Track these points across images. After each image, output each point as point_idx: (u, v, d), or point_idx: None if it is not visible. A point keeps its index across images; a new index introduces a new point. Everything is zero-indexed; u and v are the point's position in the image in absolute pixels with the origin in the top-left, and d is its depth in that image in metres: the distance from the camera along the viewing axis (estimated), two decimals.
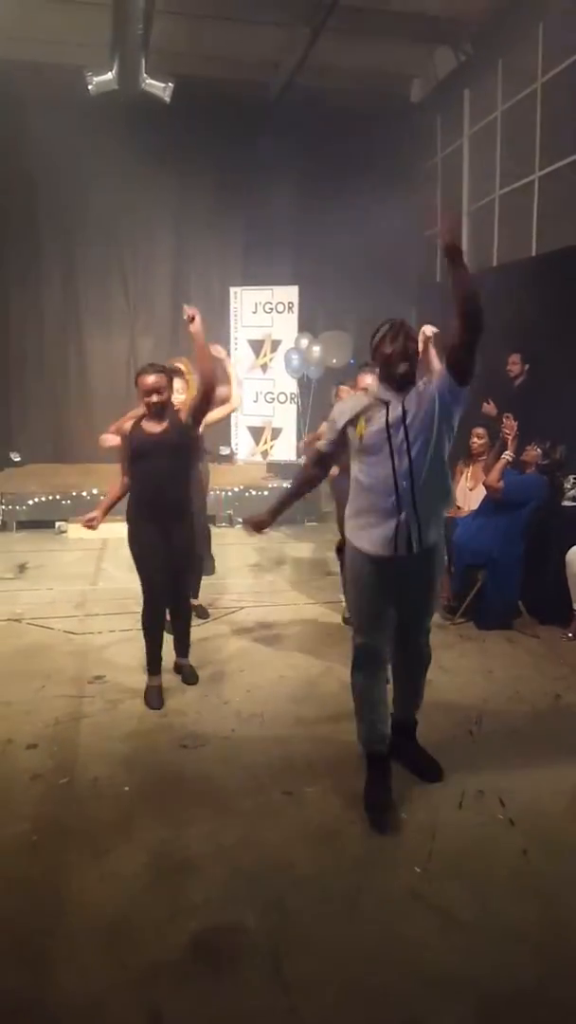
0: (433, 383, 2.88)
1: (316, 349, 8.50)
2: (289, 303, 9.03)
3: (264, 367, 9.19)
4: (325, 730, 3.57)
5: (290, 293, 9.04)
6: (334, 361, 8.51)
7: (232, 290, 9.21)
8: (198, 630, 4.46)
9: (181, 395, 4.32)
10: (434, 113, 9.16)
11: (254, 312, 9.12)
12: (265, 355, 9.13)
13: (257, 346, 9.20)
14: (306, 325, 8.97)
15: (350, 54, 8.15)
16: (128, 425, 3.81)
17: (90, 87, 7.57)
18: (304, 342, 8.67)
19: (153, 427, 3.71)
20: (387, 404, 2.86)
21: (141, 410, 3.77)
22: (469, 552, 4.93)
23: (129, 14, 6.37)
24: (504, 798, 2.99)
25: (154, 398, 3.64)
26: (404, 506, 2.84)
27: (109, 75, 7.50)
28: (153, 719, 3.65)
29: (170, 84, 7.70)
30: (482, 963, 2.23)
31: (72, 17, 7.35)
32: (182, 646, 4.07)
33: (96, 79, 7.55)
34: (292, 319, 9.02)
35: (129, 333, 9.39)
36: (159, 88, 7.70)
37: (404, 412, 2.83)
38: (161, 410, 3.69)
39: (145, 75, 7.55)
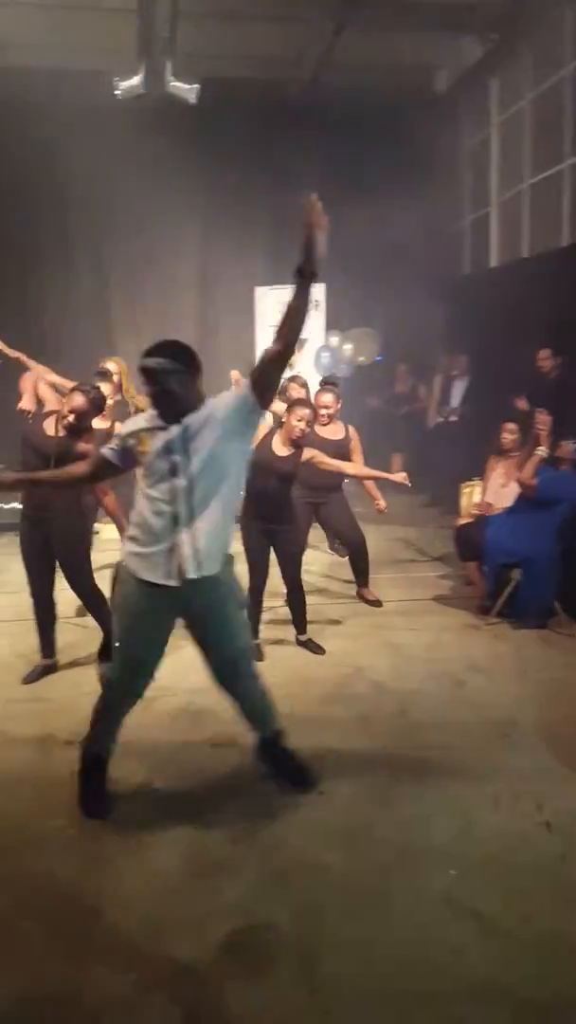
0: (226, 403, 2.79)
1: (348, 347, 8.46)
2: (315, 301, 8.98)
3: (290, 366, 9.16)
4: (355, 730, 3.57)
5: (316, 291, 9.00)
6: (362, 359, 8.47)
7: (257, 290, 9.20)
8: None
9: (110, 400, 4.84)
10: (461, 104, 9.08)
11: (279, 312, 9.08)
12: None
13: None
14: (332, 323, 8.93)
15: (374, 47, 8.09)
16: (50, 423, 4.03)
17: (117, 92, 7.63)
18: (334, 340, 8.64)
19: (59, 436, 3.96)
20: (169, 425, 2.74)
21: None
22: (502, 551, 4.88)
23: (154, 19, 6.40)
24: (541, 801, 2.95)
25: (71, 419, 3.91)
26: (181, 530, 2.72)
27: (136, 79, 7.55)
28: (184, 717, 3.67)
29: (196, 85, 7.73)
30: (518, 969, 2.21)
31: (98, 24, 7.43)
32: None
33: (123, 84, 7.60)
34: (319, 317, 8.99)
35: (156, 336, 9.40)
36: (185, 90, 7.73)
37: (186, 430, 2.71)
38: (76, 430, 3.93)
39: (171, 77, 7.58)
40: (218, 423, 2.73)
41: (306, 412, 4.32)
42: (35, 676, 4.13)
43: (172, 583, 2.72)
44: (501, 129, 8.36)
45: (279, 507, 4.30)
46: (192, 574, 2.71)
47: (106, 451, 2.92)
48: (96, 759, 2.99)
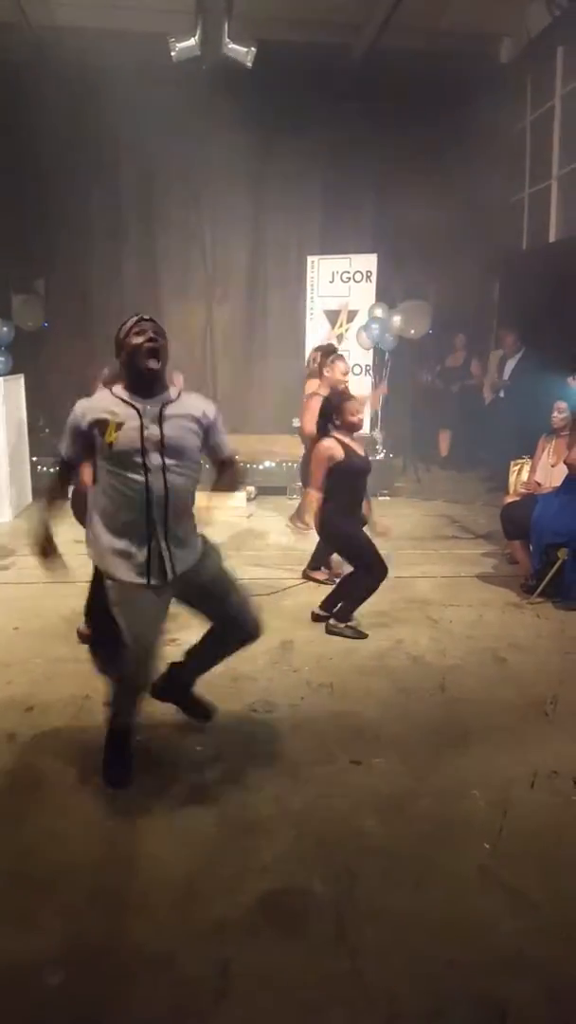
0: (207, 413, 2.78)
1: (396, 319, 8.34)
2: (367, 272, 8.87)
3: (340, 338, 9.08)
4: (394, 702, 3.56)
5: (368, 262, 8.87)
6: (412, 332, 8.34)
7: (309, 259, 9.10)
8: (267, 602, 4.49)
9: None
10: (524, 73, 8.79)
11: (331, 282, 8.99)
12: (341, 325, 9.02)
13: (333, 316, 9.09)
14: (383, 295, 8.81)
15: (437, 13, 7.87)
16: None
17: (173, 53, 7.55)
18: (379, 312, 8.52)
19: None
20: (138, 410, 2.65)
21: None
22: (549, 531, 4.79)
23: None
24: None
25: None
26: (157, 530, 2.67)
27: (192, 41, 7.46)
28: (224, 685, 3.69)
29: (252, 49, 7.60)
30: (549, 944, 2.20)
31: None
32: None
33: (179, 45, 7.51)
34: (370, 288, 8.86)
35: (206, 302, 9.41)
36: (241, 53, 7.60)
37: (162, 420, 2.65)
38: None
39: (228, 40, 7.47)
40: (194, 421, 2.74)
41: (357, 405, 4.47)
42: None
43: (156, 582, 2.72)
44: (565, 100, 8.08)
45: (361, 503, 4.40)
46: (171, 575, 2.73)
47: (64, 452, 2.81)
48: (126, 731, 2.97)
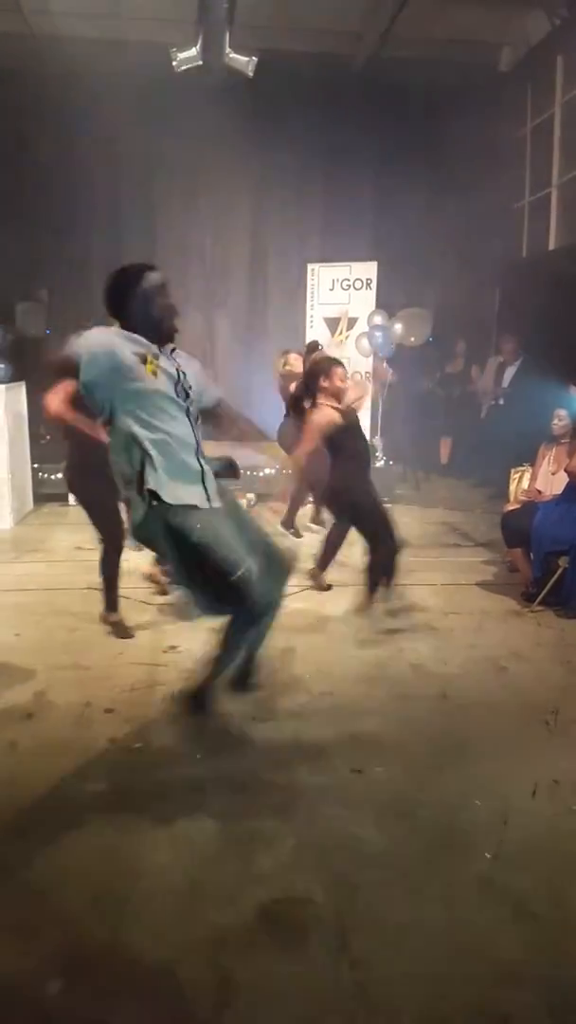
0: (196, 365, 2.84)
1: (398, 327, 8.36)
2: (367, 280, 8.90)
3: (340, 345, 9.10)
4: (394, 710, 3.55)
5: (368, 269, 8.90)
6: (412, 339, 8.36)
7: (310, 266, 9.13)
8: None
9: None
10: (524, 82, 8.84)
11: (331, 289, 9.02)
12: (341, 333, 9.04)
13: (333, 324, 9.12)
14: (383, 302, 8.84)
15: (437, 23, 7.91)
16: None
17: (174, 63, 7.59)
18: (379, 319, 8.54)
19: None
20: (160, 351, 2.67)
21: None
22: (550, 538, 4.79)
23: None
24: None
25: None
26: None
27: (194, 51, 7.51)
28: (224, 691, 3.69)
29: (253, 59, 7.65)
30: (551, 955, 2.18)
31: None
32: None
33: (181, 55, 7.57)
34: (370, 296, 8.89)
35: (207, 309, 9.44)
36: (242, 63, 7.67)
37: (179, 367, 2.71)
38: None
39: (229, 50, 7.52)
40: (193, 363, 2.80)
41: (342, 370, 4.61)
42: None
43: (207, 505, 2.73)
44: (565, 109, 8.12)
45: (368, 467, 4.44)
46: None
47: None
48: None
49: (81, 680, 3.80)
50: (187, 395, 2.71)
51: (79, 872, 2.48)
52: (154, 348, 2.64)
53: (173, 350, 2.77)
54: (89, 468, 3.82)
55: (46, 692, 3.67)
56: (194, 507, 2.68)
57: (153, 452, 2.61)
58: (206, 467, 2.76)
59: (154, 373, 2.59)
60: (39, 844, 2.61)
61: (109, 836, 2.65)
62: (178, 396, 2.67)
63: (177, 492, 2.64)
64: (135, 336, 2.62)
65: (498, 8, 8.06)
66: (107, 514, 4.07)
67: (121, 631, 4.29)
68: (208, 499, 2.72)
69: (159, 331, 2.65)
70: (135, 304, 2.60)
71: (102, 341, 2.57)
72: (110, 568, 4.25)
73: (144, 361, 2.55)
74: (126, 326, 2.64)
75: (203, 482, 2.73)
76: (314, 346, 5.80)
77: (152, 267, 2.68)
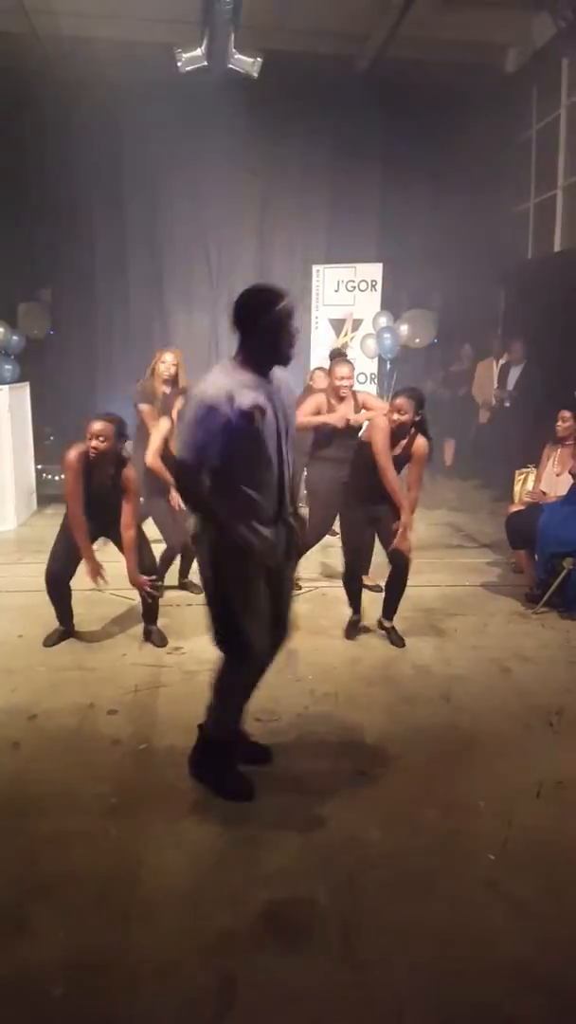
0: (289, 388, 2.67)
1: (404, 328, 8.36)
2: (372, 281, 8.89)
3: (344, 346, 9.10)
4: (398, 712, 3.55)
5: (374, 271, 8.89)
6: (417, 341, 8.35)
7: (315, 268, 9.13)
8: None
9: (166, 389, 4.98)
10: (530, 84, 8.82)
11: (336, 290, 9.02)
12: (346, 334, 9.04)
13: (338, 325, 9.11)
14: (389, 304, 8.83)
15: (443, 24, 7.89)
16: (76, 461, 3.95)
17: (179, 64, 7.59)
18: (383, 320, 8.54)
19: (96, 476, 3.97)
20: (268, 393, 2.54)
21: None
22: (554, 540, 4.78)
23: None
24: None
25: (94, 443, 3.85)
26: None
27: (198, 51, 7.50)
28: None
29: (258, 59, 7.64)
30: (555, 956, 2.18)
31: None
32: None
33: (185, 56, 7.56)
34: (375, 297, 8.88)
35: (211, 310, 9.44)
36: (247, 64, 7.66)
37: (274, 402, 2.56)
38: (101, 458, 3.89)
39: (234, 51, 7.52)
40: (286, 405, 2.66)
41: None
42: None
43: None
44: (570, 111, 8.11)
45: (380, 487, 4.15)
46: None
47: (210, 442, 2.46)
48: (234, 738, 2.92)
49: (85, 681, 3.80)
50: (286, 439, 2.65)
51: (83, 873, 2.48)
52: (262, 398, 2.53)
53: (277, 388, 2.63)
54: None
55: (49, 692, 3.67)
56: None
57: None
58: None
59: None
60: (43, 845, 2.61)
61: (113, 838, 2.65)
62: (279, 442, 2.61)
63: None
64: (239, 379, 2.53)
65: (504, 10, 8.04)
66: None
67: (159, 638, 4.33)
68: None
69: (274, 364, 2.58)
70: (265, 335, 2.51)
71: (205, 411, 2.52)
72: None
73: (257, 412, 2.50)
74: (248, 345, 2.56)
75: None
76: (334, 354, 5.84)
77: (286, 293, 2.57)
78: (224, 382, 2.48)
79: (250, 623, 2.69)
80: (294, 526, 2.75)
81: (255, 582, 2.66)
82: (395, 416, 4.03)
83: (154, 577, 4.19)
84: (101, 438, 3.85)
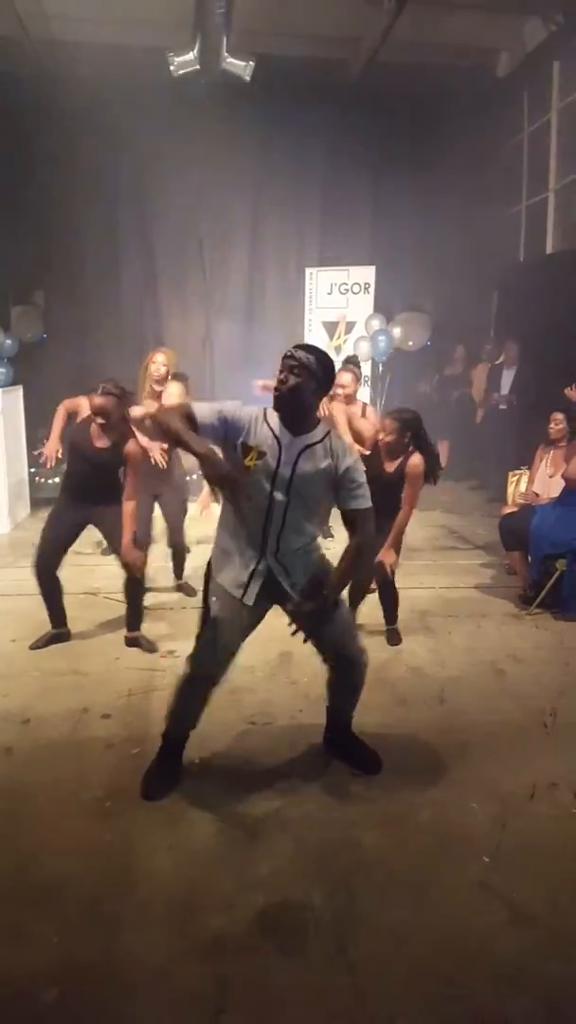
0: (344, 459, 2.67)
1: (397, 331, 8.37)
2: (365, 284, 8.91)
3: (338, 349, 9.11)
4: (393, 714, 3.55)
5: (367, 273, 8.91)
6: (410, 343, 8.36)
7: (308, 271, 9.14)
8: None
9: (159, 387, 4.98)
10: (521, 88, 8.85)
11: (329, 293, 9.03)
12: (339, 336, 9.05)
13: (331, 328, 9.13)
14: (382, 306, 8.85)
15: (435, 28, 7.92)
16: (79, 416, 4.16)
17: (172, 68, 7.60)
18: (376, 323, 8.55)
19: (98, 441, 4.05)
20: (281, 446, 2.60)
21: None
22: (547, 541, 4.80)
23: None
24: None
25: (99, 420, 3.95)
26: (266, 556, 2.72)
27: (191, 55, 7.51)
28: (222, 696, 3.66)
29: (251, 63, 7.65)
30: (549, 958, 2.18)
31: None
32: None
33: (178, 60, 7.56)
34: (368, 300, 8.90)
35: (205, 313, 9.44)
36: (240, 67, 7.66)
37: (296, 462, 2.61)
38: (109, 428, 4.00)
39: (226, 54, 7.53)
40: (329, 469, 2.66)
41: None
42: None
43: (247, 601, 2.81)
44: (561, 114, 8.14)
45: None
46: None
47: (204, 414, 2.57)
48: (181, 740, 3.00)
49: (78, 685, 3.79)
50: (286, 494, 2.65)
51: (76, 877, 2.47)
52: (267, 445, 2.61)
53: (309, 446, 2.65)
54: None
55: (43, 697, 3.66)
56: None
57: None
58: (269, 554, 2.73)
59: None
60: (35, 849, 2.60)
61: (106, 842, 2.64)
62: (271, 491, 2.64)
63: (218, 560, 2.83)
64: (265, 423, 2.65)
65: (495, 14, 8.08)
66: None
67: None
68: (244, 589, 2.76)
69: (285, 406, 2.64)
70: (318, 394, 2.66)
71: (228, 407, 2.66)
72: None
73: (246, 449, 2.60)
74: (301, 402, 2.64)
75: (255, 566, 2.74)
76: (346, 361, 5.85)
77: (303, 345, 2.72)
78: (260, 411, 2.66)
79: (208, 634, 2.80)
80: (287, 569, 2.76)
81: (233, 605, 2.77)
82: (381, 436, 4.05)
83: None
84: (103, 413, 3.94)
